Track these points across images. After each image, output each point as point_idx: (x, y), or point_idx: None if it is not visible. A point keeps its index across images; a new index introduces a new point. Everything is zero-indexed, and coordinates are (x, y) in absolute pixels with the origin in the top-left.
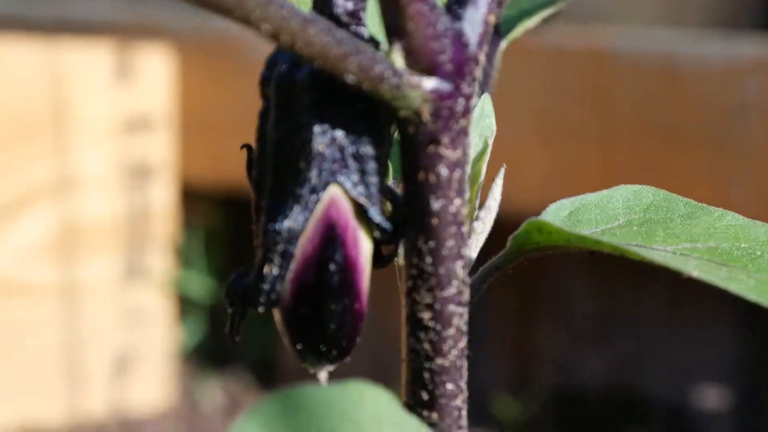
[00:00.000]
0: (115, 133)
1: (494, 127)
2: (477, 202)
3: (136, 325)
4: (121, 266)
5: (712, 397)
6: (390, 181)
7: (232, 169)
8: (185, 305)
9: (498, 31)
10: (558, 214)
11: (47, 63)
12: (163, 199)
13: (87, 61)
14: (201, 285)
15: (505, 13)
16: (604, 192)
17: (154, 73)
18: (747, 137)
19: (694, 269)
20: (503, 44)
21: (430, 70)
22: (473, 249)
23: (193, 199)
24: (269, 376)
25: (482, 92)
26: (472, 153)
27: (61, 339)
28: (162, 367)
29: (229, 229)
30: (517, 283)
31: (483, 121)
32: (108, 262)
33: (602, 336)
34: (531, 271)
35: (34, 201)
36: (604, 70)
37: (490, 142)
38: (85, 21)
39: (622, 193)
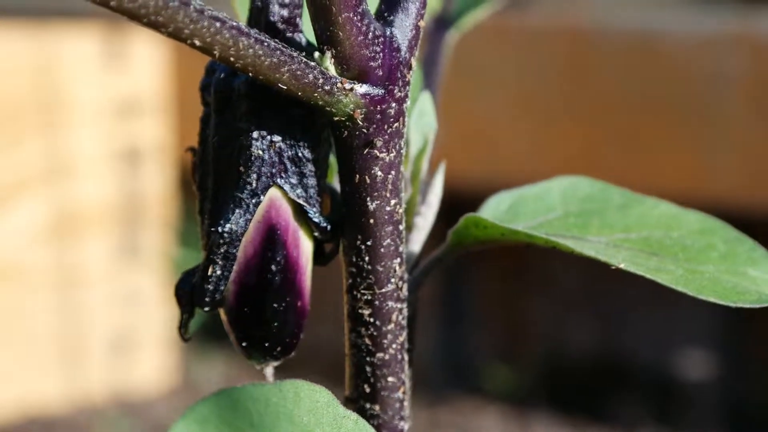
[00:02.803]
0: (108, 117)
1: (435, 125)
2: (419, 198)
3: (133, 306)
4: (117, 248)
5: (697, 363)
6: (334, 181)
7: None
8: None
9: (445, 24)
10: (498, 207)
11: (37, 49)
12: (158, 181)
13: (77, 46)
14: None
15: (456, 4)
16: (542, 184)
17: (146, 57)
18: (726, 108)
19: (622, 261)
20: (453, 36)
21: (362, 77)
22: (416, 243)
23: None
24: None
25: (429, 87)
26: (413, 150)
27: (59, 321)
28: (160, 348)
29: None
30: (505, 255)
31: (423, 119)
32: (104, 244)
33: (589, 304)
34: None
35: (27, 186)
36: (583, 47)
37: (431, 139)
38: (75, 5)
39: (560, 185)
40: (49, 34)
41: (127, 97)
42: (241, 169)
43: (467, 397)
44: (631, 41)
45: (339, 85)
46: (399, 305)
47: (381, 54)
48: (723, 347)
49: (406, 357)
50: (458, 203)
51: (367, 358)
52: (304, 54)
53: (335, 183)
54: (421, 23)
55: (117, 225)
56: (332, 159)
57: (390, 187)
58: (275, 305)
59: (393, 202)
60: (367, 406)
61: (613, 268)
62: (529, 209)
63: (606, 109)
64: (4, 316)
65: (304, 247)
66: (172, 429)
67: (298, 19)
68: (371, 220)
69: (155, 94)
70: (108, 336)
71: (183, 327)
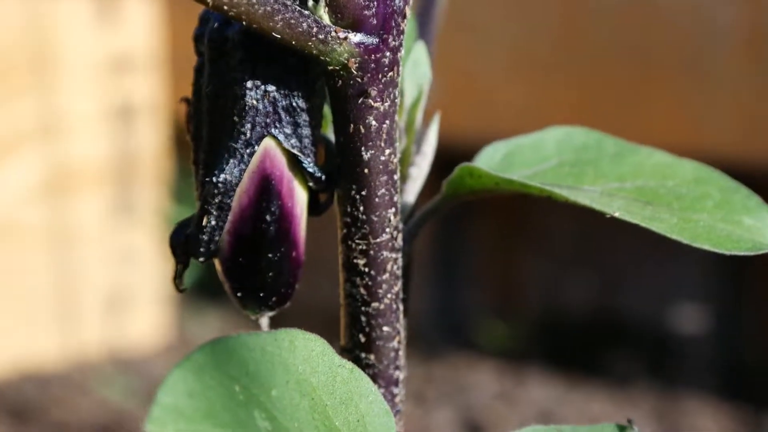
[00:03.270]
0: (101, 74)
1: (429, 75)
2: (414, 148)
3: (128, 264)
4: (112, 206)
5: (691, 318)
6: (329, 131)
7: None
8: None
9: None
10: (493, 156)
11: (29, 6)
12: (152, 139)
13: (70, 3)
14: None
15: None
16: (537, 133)
17: (139, 14)
18: (721, 65)
19: (617, 209)
20: None
21: (356, 25)
22: (410, 194)
23: (186, 137)
24: None
25: (424, 38)
26: (408, 101)
27: (54, 278)
28: (155, 305)
29: None
30: (499, 210)
31: (417, 69)
32: (98, 201)
33: (584, 260)
34: (512, 198)
35: (20, 143)
36: (580, 7)
37: (426, 89)
38: None
39: (555, 135)
40: None
41: (121, 53)
42: (236, 119)
43: (462, 353)
44: (624, 1)
45: (333, 33)
46: (394, 255)
47: (375, 3)
48: (717, 303)
49: (401, 307)
50: (453, 157)
51: (362, 308)
52: (298, 2)
53: (330, 133)
54: None
55: (111, 182)
56: (326, 109)
57: (384, 136)
58: (270, 255)
59: (387, 151)
60: (363, 355)
61: (608, 216)
62: (524, 159)
63: (601, 63)
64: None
65: (299, 197)
66: (168, 376)
67: None
68: (366, 170)
69: (148, 51)
70: (103, 293)
71: (178, 277)
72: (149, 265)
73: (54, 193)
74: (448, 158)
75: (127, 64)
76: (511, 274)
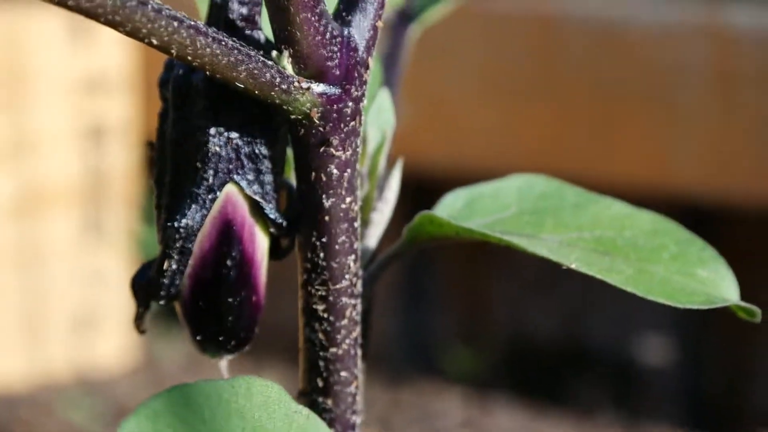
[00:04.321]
0: (73, 94)
1: (393, 121)
2: (376, 193)
3: (96, 284)
4: (81, 226)
5: (657, 347)
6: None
7: None
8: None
9: (408, 18)
10: (454, 204)
11: (3, 24)
12: (123, 159)
13: (43, 22)
14: None
15: None
16: (498, 181)
17: (112, 35)
18: (689, 98)
19: (575, 261)
20: (415, 30)
21: (319, 76)
22: (372, 238)
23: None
24: None
25: (390, 81)
26: (371, 147)
27: (21, 298)
28: (123, 326)
29: None
30: None
31: (381, 116)
32: (68, 221)
33: (551, 288)
34: None
35: None
36: (550, 35)
37: (388, 135)
38: None
39: (516, 183)
40: (16, 9)
41: (94, 74)
42: (198, 164)
43: (428, 379)
44: (596, 29)
45: (296, 84)
46: (353, 301)
47: (338, 54)
48: (682, 332)
49: (359, 352)
50: (425, 185)
51: (321, 353)
52: (262, 52)
53: (292, 178)
54: (380, 24)
55: (81, 202)
56: (289, 154)
57: (346, 185)
58: (230, 300)
59: (348, 199)
60: (320, 399)
61: (565, 268)
62: (484, 206)
63: (571, 93)
64: None
65: (260, 242)
66: (124, 423)
67: (257, 16)
68: (326, 218)
69: (121, 71)
70: (71, 314)
71: (139, 319)
72: (118, 286)
73: (23, 212)
74: (419, 185)
75: (100, 85)
76: (478, 301)
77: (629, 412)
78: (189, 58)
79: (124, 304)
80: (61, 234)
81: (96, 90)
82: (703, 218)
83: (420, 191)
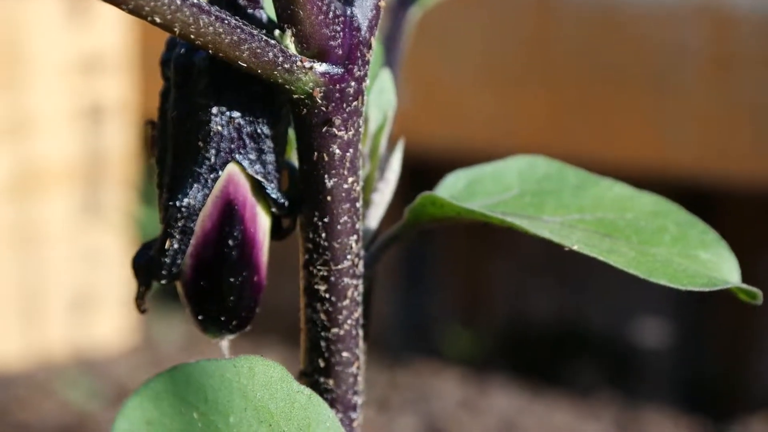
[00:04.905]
0: (71, 73)
1: (394, 102)
2: (377, 174)
3: (94, 265)
4: (79, 206)
5: (654, 330)
6: (292, 157)
7: None
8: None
9: (408, 1)
10: (455, 185)
11: None
12: (121, 139)
13: (39, 1)
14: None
15: None
16: (500, 162)
17: (110, 13)
18: (686, 80)
19: (576, 242)
20: (415, 12)
21: (322, 56)
22: (373, 219)
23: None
24: None
25: (391, 63)
26: (372, 127)
27: (19, 278)
28: (121, 306)
29: None
30: None
31: (383, 96)
32: (65, 201)
33: (550, 269)
34: None
35: None
36: (547, 17)
37: (390, 116)
38: None
39: (517, 164)
40: None
41: (91, 53)
42: (200, 144)
43: (427, 360)
44: (593, 12)
45: (298, 63)
46: (354, 281)
47: (341, 33)
48: (679, 316)
49: (360, 332)
50: (424, 168)
51: (322, 333)
52: (264, 31)
53: (294, 158)
54: (382, 3)
55: (79, 183)
56: (291, 134)
57: (348, 165)
58: (231, 279)
59: (350, 179)
60: (322, 380)
61: (567, 249)
62: (486, 188)
63: (569, 76)
64: None
65: (262, 222)
66: (126, 404)
67: None
68: (328, 198)
69: (119, 51)
70: (69, 294)
71: (140, 299)
72: (115, 266)
73: (21, 192)
74: (417, 168)
75: (98, 64)
76: (477, 282)
77: (626, 394)
78: (192, 36)
79: (122, 284)
80: (59, 214)
81: (93, 70)
82: (701, 200)
83: (415, 173)
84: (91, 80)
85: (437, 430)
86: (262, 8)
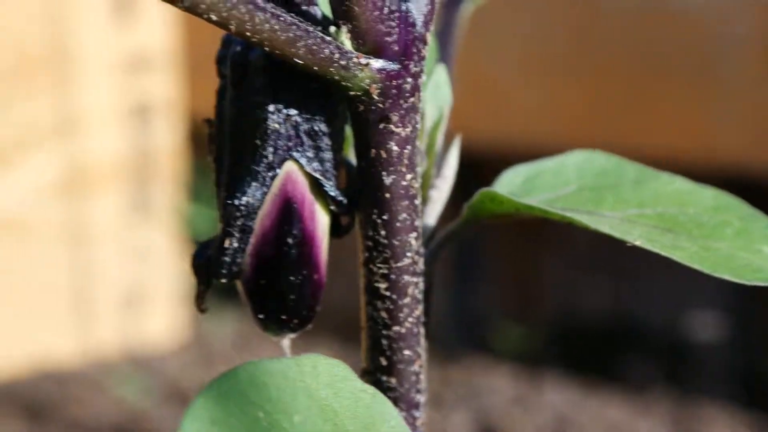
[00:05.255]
0: (119, 72)
1: (450, 98)
2: (434, 171)
3: (144, 262)
4: (128, 204)
5: (709, 324)
6: (350, 154)
7: None
8: (196, 241)
9: None
10: (513, 181)
11: (47, 2)
12: (169, 137)
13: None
14: (211, 221)
15: None
16: (558, 157)
17: (156, 11)
18: (734, 72)
19: (638, 237)
20: (467, 8)
21: (378, 52)
22: (431, 217)
23: (202, 135)
24: None
25: (444, 59)
26: (428, 123)
27: (70, 276)
28: (171, 303)
29: None
30: None
31: (438, 92)
32: (115, 199)
33: (603, 264)
34: None
35: (38, 141)
36: (592, 6)
37: (446, 112)
38: None
39: (575, 159)
40: None
41: (138, 51)
42: (258, 142)
43: (479, 356)
44: (639, 1)
45: (355, 59)
46: (415, 279)
47: (397, 29)
48: (734, 309)
49: (422, 330)
50: (469, 161)
51: (384, 332)
52: (319, 28)
53: (351, 155)
54: None
55: (128, 181)
56: (348, 131)
57: (406, 161)
58: (292, 278)
59: (409, 176)
60: (384, 378)
61: (629, 245)
62: (544, 183)
63: (614, 66)
64: (16, 272)
65: (321, 220)
66: (192, 404)
67: None
68: (387, 195)
69: (166, 48)
70: (119, 291)
71: (200, 298)
72: (165, 263)
73: (71, 191)
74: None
75: (145, 62)
76: (529, 277)
77: (681, 390)
78: (248, 33)
79: (173, 281)
80: (108, 212)
81: (140, 68)
82: (749, 191)
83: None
84: (139, 79)
85: (490, 427)
86: (316, 5)
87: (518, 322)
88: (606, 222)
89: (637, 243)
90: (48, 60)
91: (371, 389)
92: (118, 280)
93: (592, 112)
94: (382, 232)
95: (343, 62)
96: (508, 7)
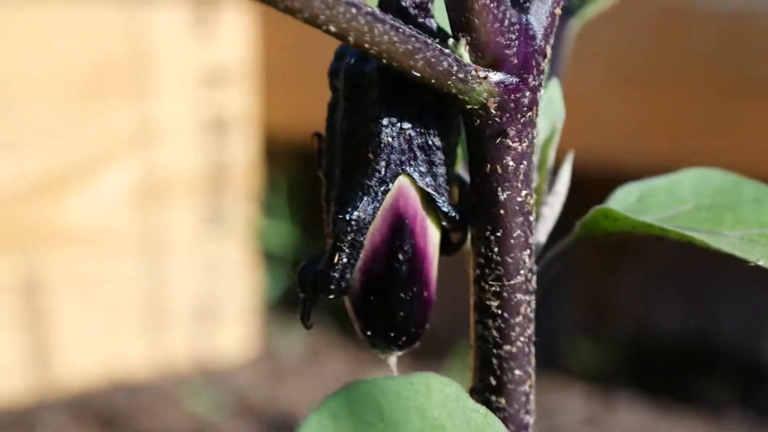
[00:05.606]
0: (196, 85)
1: (562, 113)
2: (545, 187)
3: (217, 275)
4: (202, 216)
5: None
6: (459, 169)
7: (315, 120)
8: (268, 256)
9: (568, 13)
10: (626, 198)
11: (127, 17)
12: (243, 151)
13: (169, 14)
14: (284, 236)
15: None
16: (672, 175)
17: (234, 25)
18: None
19: (761, 257)
20: (575, 24)
21: (497, 65)
22: (542, 234)
23: (276, 150)
24: (352, 328)
25: (554, 75)
26: (541, 138)
27: (144, 287)
28: (244, 317)
29: (312, 180)
30: None
31: (551, 107)
32: (189, 212)
33: (678, 282)
34: None
35: (116, 152)
36: (680, 23)
37: (559, 127)
38: None
39: (690, 177)
40: (141, 2)
41: (215, 65)
42: (370, 156)
43: (550, 375)
44: (725, 13)
45: (473, 73)
46: (527, 297)
47: (516, 42)
48: None
49: (533, 350)
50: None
51: (494, 351)
52: (436, 40)
53: (462, 171)
54: (557, 11)
55: (202, 194)
56: (460, 147)
57: (521, 177)
58: (402, 295)
59: (524, 192)
60: (493, 398)
61: (751, 264)
62: (658, 201)
63: (700, 79)
64: (90, 282)
65: (432, 236)
66: (305, 423)
67: (429, 4)
68: (501, 211)
69: (242, 63)
70: (192, 303)
71: (306, 313)
72: (238, 277)
73: (147, 202)
74: None
75: (222, 76)
76: (603, 296)
77: (759, 412)
78: (366, 45)
79: (244, 294)
80: (183, 224)
81: (217, 82)
82: None
83: None
84: (215, 92)
85: None
86: (432, 17)
87: (591, 340)
88: (727, 241)
89: (760, 263)
90: (128, 74)
91: (483, 409)
92: (191, 292)
93: (677, 125)
94: (495, 249)
95: (461, 75)
96: (595, 26)
